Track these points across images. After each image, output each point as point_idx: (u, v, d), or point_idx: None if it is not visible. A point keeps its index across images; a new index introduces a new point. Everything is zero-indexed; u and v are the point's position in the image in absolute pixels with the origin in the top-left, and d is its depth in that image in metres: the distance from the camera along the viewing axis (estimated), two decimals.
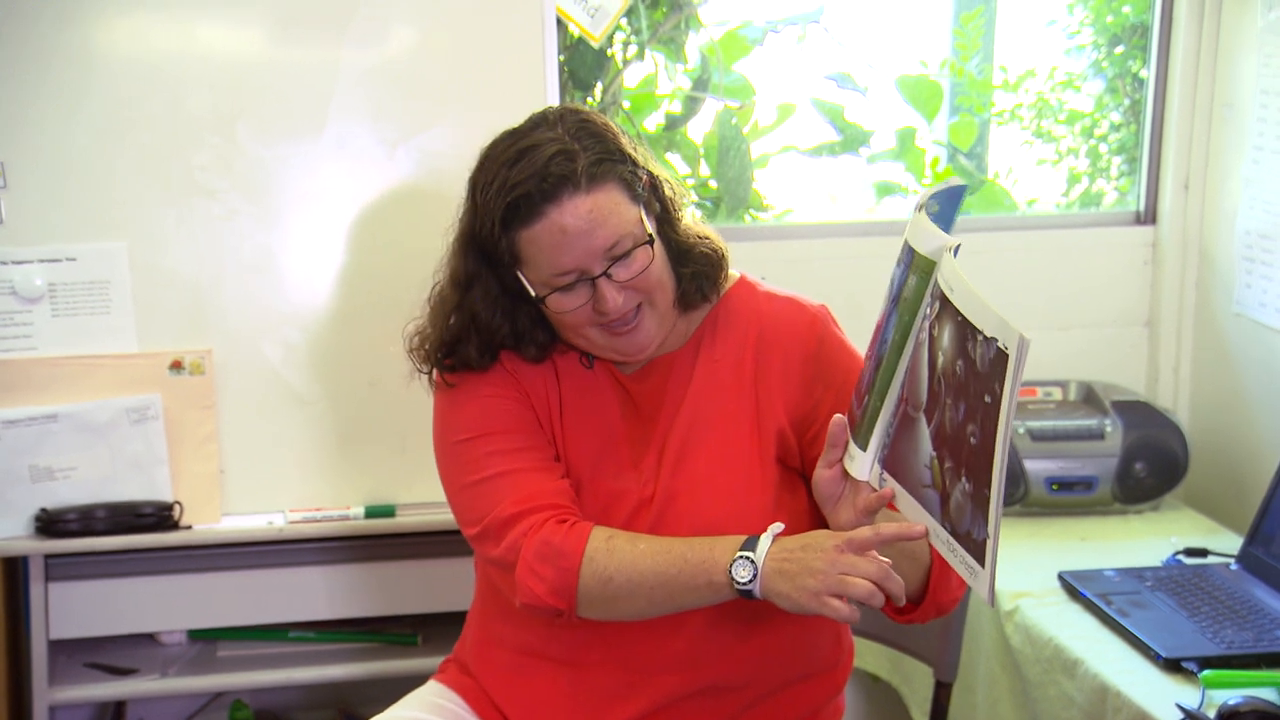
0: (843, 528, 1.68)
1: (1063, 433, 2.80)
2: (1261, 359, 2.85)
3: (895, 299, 1.59)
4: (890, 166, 3.22)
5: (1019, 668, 2.38)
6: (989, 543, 1.47)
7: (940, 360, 1.53)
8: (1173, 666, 2.13)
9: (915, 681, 2.66)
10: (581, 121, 1.76)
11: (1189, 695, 2.05)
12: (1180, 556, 2.58)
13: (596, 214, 1.70)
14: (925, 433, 1.57)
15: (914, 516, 1.62)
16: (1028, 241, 3.06)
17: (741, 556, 1.65)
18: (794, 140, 3.17)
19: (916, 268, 1.55)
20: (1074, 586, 2.42)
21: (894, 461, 1.64)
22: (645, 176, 1.78)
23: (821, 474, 1.70)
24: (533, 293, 1.75)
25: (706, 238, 1.86)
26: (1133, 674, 2.14)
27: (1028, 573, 2.52)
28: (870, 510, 1.67)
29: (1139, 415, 2.85)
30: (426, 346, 1.87)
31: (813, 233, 3.03)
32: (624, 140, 1.78)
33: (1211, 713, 1.98)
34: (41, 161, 2.46)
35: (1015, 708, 2.41)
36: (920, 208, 1.55)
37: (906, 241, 1.57)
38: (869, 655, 2.76)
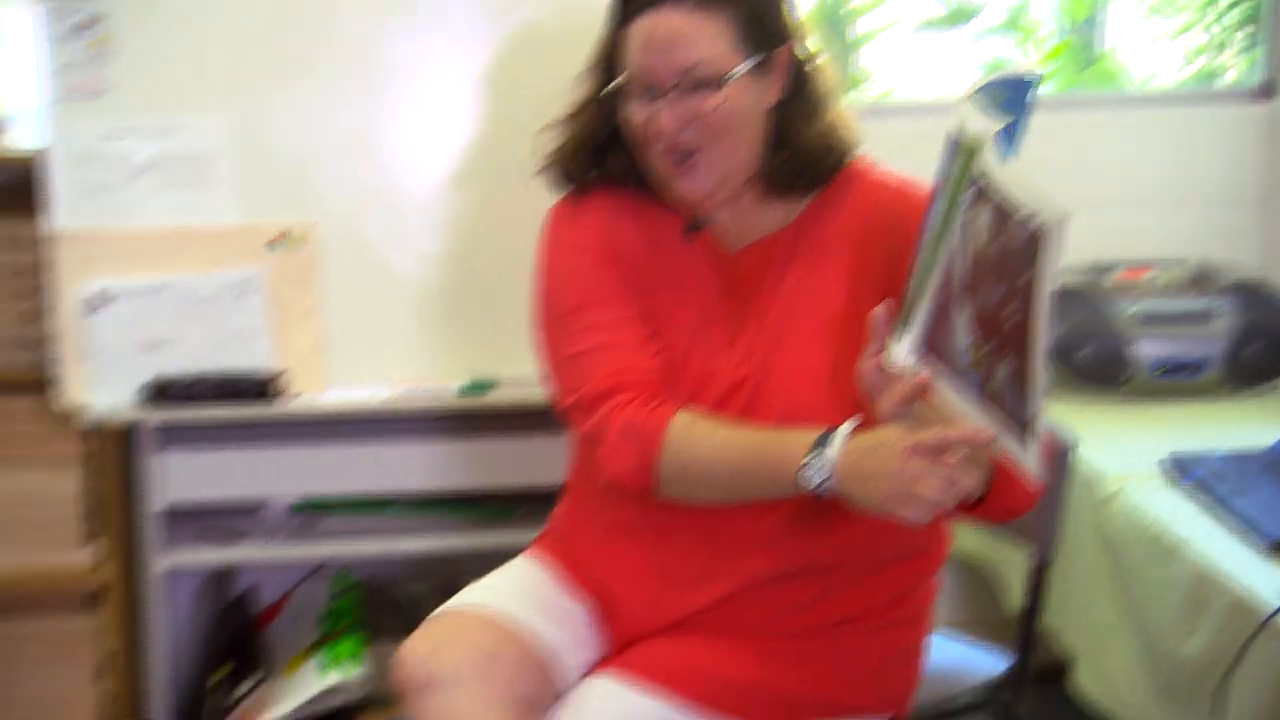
0: (884, 419, 1.66)
1: (1171, 314, 2.73)
2: None
3: (940, 186, 1.58)
4: (999, 42, 3.14)
5: (1119, 552, 2.36)
6: (1034, 421, 1.48)
7: (980, 243, 1.52)
8: None
9: (1012, 564, 2.65)
10: None
11: None
12: None
13: (685, 33, 1.71)
14: (965, 317, 1.56)
15: (953, 402, 1.61)
16: (1139, 119, 2.97)
17: (813, 457, 1.65)
18: (899, 16, 3.10)
19: (961, 152, 1.55)
20: (1179, 469, 2.39)
21: (933, 348, 1.63)
22: (785, 49, 1.78)
23: (864, 365, 1.68)
24: (610, 87, 1.79)
25: (830, 136, 1.83)
26: (1236, 556, 2.10)
27: (1130, 456, 2.47)
28: (907, 399, 1.63)
29: (1252, 296, 2.78)
30: (555, 148, 1.91)
31: (917, 111, 2.97)
32: (784, 7, 1.78)
33: None
34: (147, 32, 2.47)
35: (1114, 592, 2.39)
36: (969, 97, 1.54)
37: (954, 128, 1.56)
38: (963, 537, 2.74)
